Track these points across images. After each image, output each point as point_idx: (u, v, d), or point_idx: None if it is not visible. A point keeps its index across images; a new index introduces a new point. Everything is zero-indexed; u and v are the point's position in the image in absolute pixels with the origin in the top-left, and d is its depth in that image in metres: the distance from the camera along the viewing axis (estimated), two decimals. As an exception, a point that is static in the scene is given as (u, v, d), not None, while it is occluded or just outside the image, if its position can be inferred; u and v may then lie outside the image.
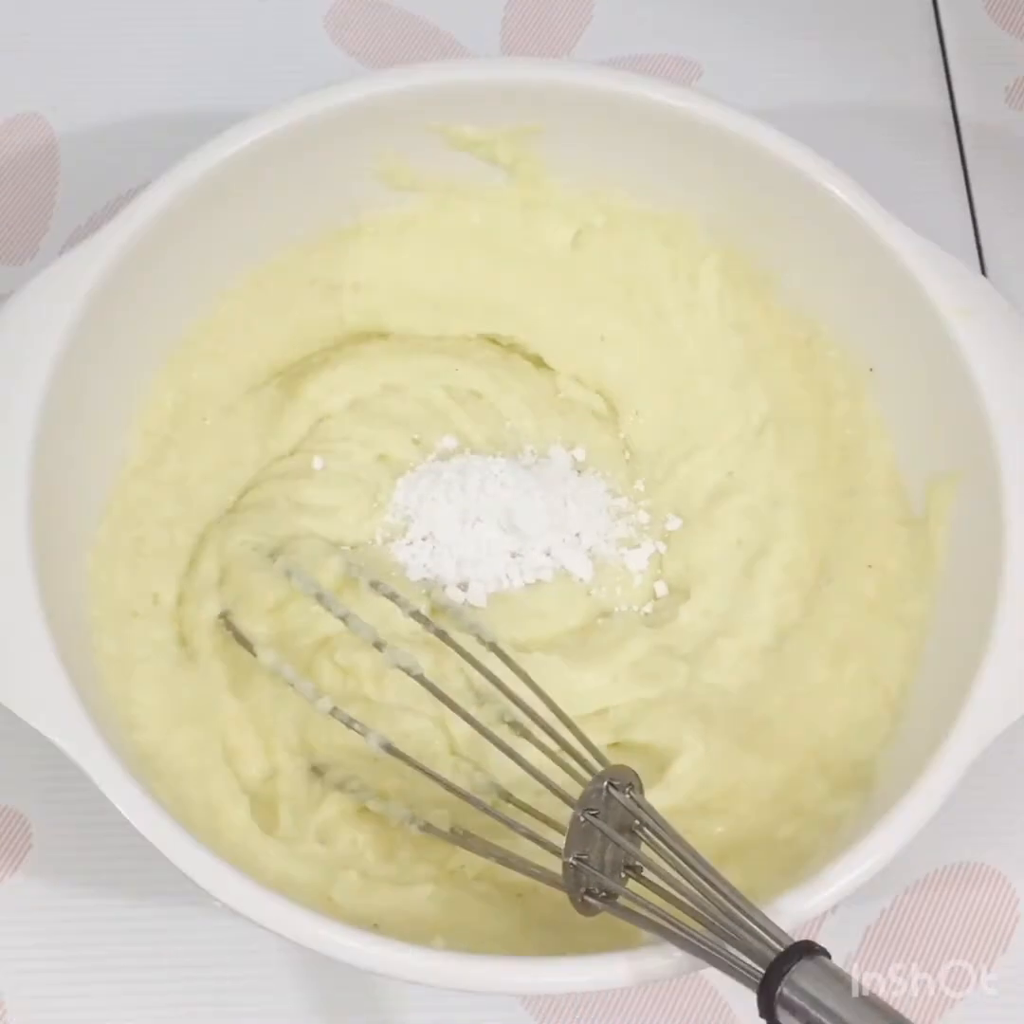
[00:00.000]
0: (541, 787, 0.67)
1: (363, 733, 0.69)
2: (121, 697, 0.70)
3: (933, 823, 0.65)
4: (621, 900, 0.63)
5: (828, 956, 0.59)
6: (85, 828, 0.74)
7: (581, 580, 0.77)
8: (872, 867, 0.64)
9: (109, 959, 0.73)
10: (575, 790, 0.65)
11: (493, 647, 0.72)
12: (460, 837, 0.69)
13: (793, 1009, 0.57)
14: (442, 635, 0.71)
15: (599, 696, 0.74)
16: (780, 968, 0.58)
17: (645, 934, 0.62)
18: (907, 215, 0.75)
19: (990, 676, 0.67)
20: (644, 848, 0.63)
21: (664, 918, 0.61)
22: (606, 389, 0.82)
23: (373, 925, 0.67)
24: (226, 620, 0.74)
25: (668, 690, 0.74)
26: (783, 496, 0.78)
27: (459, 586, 0.76)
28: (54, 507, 0.69)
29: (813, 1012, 0.57)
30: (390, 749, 0.69)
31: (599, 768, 0.65)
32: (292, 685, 0.71)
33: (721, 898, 0.60)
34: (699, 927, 0.60)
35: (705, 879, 0.61)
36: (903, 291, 0.74)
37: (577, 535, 0.78)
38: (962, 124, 0.93)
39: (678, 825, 0.63)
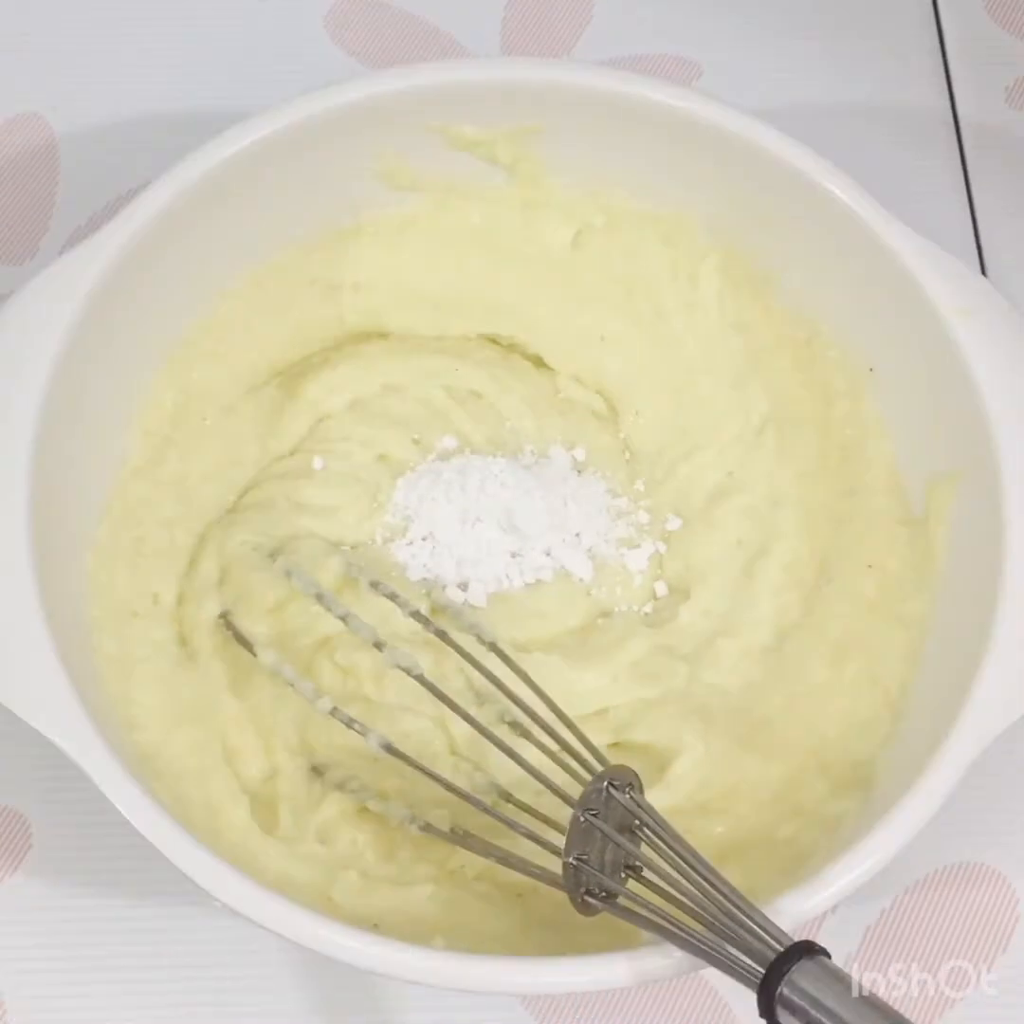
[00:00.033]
0: (541, 787, 0.67)
1: (363, 733, 0.69)
2: (121, 697, 0.70)
3: (933, 823, 0.65)
4: (621, 900, 0.63)
5: (828, 956, 0.59)
6: (85, 828, 0.74)
7: (581, 580, 0.77)
8: (872, 867, 0.64)
9: (109, 959, 0.73)
10: (575, 790, 0.65)
11: (493, 647, 0.72)
12: (460, 837, 0.69)
13: (793, 1009, 0.57)
14: (442, 635, 0.71)
15: (599, 696, 0.74)
16: (780, 968, 0.58)
17: (645, 934, 0.62)
18: (907, 215, 0.75)
19: (990, 676, 0.67)
20: (644, 848, 0.63)
21: (664, 918, 0.61)
22: (606, 389, 0.82)
23: (373, 925, 0.67)
24: (226, 620, 0.74)
25: (668, 690, 0.74)
26: (783, 496, 0.78)
27: (459, 586, 0.76)
28: (54, 507, 0.69)
29: (813, 1012, 0.57)
30: (390, 749, 0.69)
31: (599, 768, 0.65)
32: (292, 685, 0.71)
33: (721, 898, 0.60)
34: (699, 927, 0.60)
35: (705, 879, 0.61)
36: (903, 291, 0.74)
37: (577, 535, 0.78)
38: (962, 124, 0.93)
39: (678, 825, 0.63)
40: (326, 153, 0.77)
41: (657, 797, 0.68)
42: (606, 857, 0.64)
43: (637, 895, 0.63)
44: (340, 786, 0.71)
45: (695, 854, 0.62)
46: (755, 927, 0.59)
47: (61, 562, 0.69)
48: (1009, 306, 0.74)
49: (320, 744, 0.72)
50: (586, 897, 0.64)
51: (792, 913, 0.62)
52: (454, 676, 0.72)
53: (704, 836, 0.69)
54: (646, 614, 0.78)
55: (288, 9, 0.95)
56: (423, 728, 0.72)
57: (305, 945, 0.62)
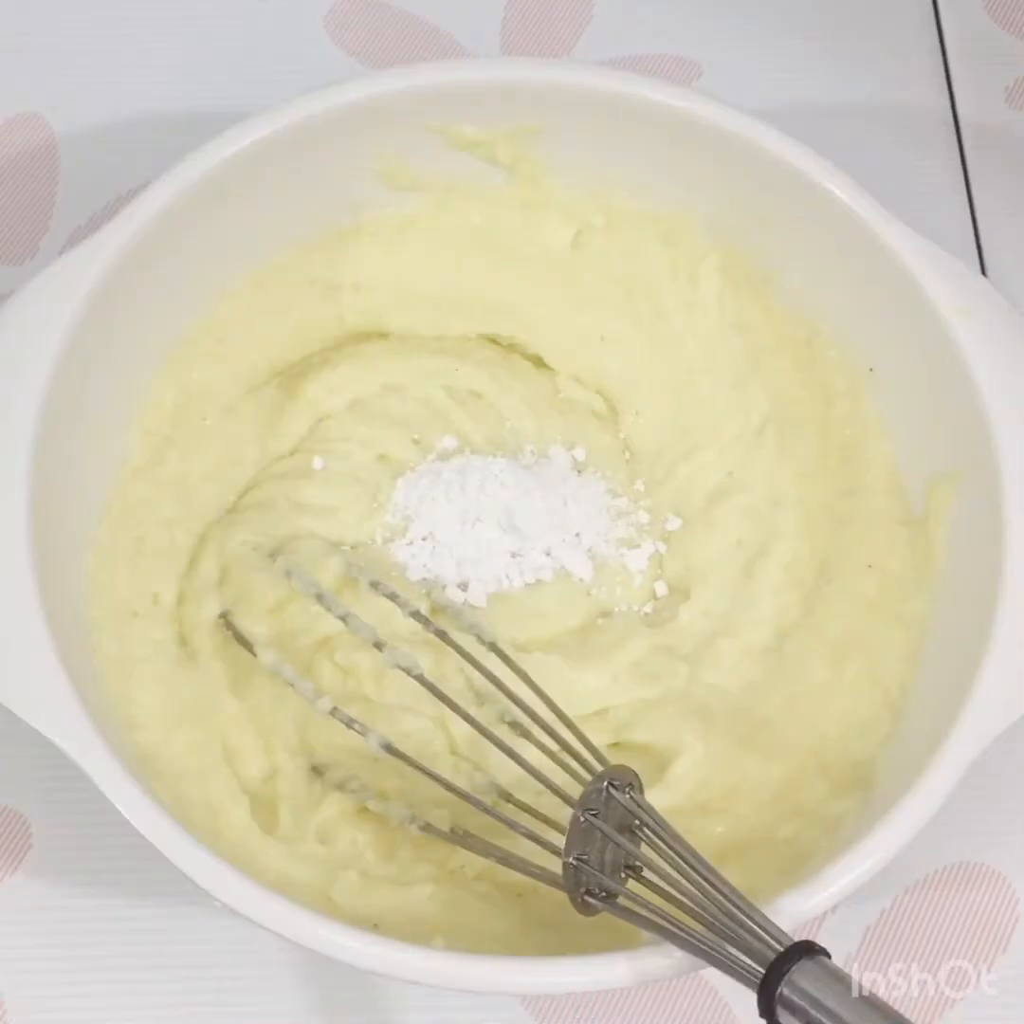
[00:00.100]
0: (541, 787, 0.67)
1: (363, 733, 0.69)
2: (121, 697, 0.70)
3: (933, 823, 0.65)
4: (621, 900, 0.63)
5: (828, 956, 0.59)
6: (85, 828, 0.74)
7: (581, 580, 0.77)
8: (872, 867, 0.64)
9: (109, 959, 0.73)
10: (575, 790, 0.65)
11: (493, 647, 0.72)
12: (460, 837, 0.69)
13: (793, 1009, 0.57)
14: (442, 635, 0.71)
15: (599, 696, 0.74)
16: (780, 968, 0.58)
17: (645, 934, 0.62)
18: (907, 215, 0.75)
19: (990, 676, 0.67)
20: (644, 848, 0.63)
21: (664, 918, 0.61)
22: (606, 389, 0.82)
23: (373, 925, 0.67)
24: (226, 620, 0.74)
25: (668, 690, 0.74)
26: (783, 496, 0.78)
27: (459, 586, 0.76)
28: (54, 507, 0.69)
29: (813, 1012, 0.57)
30: (390, 749, 0.69)
31: (599, 768, 0.65)
32: (292, 685, 0.71)
33: (721, 898, 0.60)
34: (699, 927, 0.60)
35: (705, 879, 0.61)
36: (903, 291, 0.74)
37: (577, 535, 0.78)
38: (962, 124, 0.93)
39: (678, 825, 0.63)
40: (326, 153, 0.77)
41: (657, 797, 0.68)
42: (606, 857, 0.64)
43: (637, 895, 0.62)
44: (340, 786, 0.71)
45: (695, 854, 0.62)
46: (755, 927, 0.59)
47: (61, 562, 0.69)
48: (1009, 306, 0.74)
49: (320, 744, 0.72)
50: (586, 897, 0.64)
51: (792, 913, 0.62)
52: (454, 676, 0.72)
53: (704, 836, 0.69)
54: (646, 614, 0.78)
55: (288, 9, 0.95)
56: (423, 728, 0.72)
57: (305, 945, 0.62)
